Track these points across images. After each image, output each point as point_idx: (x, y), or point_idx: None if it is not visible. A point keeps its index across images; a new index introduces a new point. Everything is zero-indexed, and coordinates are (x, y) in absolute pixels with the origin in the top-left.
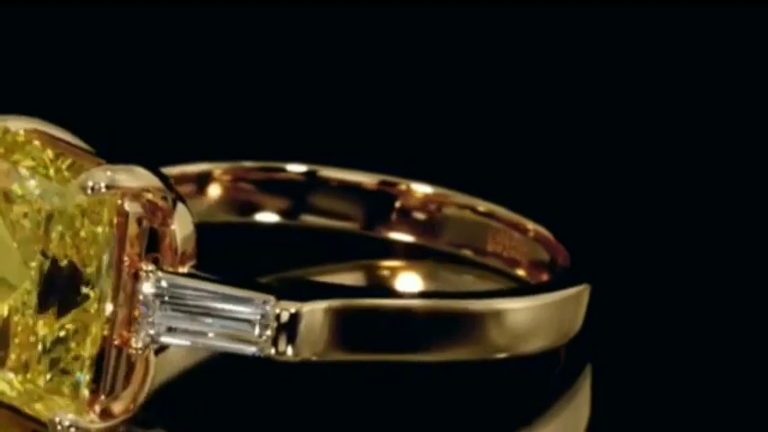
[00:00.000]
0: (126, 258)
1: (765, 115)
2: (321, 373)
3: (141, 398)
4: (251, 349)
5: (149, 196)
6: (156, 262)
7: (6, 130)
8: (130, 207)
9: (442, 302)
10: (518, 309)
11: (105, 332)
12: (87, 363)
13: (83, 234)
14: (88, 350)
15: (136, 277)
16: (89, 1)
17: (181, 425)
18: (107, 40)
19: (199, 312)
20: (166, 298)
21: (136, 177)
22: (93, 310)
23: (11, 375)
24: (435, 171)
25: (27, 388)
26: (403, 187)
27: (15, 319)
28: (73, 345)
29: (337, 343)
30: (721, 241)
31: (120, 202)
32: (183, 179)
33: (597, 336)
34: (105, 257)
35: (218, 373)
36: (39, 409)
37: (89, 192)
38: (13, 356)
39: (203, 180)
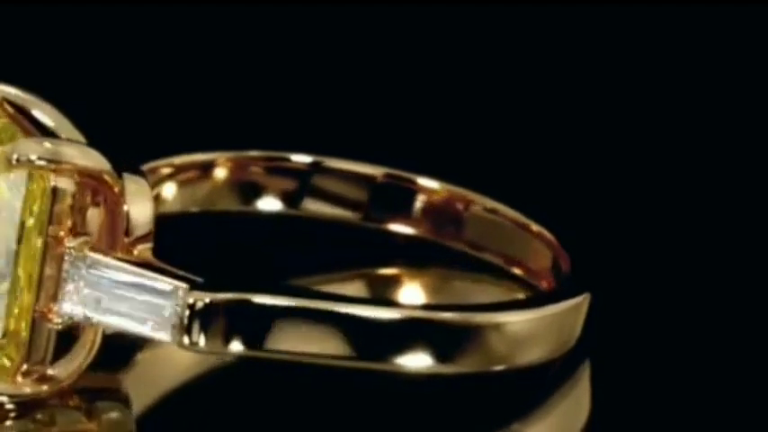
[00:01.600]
0: (52, 234)
1: (766, 115)
2: (320, 378)
3: (74, 368)
4: (164, 335)
5: (95, 175)
6: (86, 242)
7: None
8: (60, 182)
9: (439, 315)
10: (518, 321)
11: (29, 305)
12: (16, 333)
13: (7, 206)
14: (11, 324)
15: (60, 255)
16: (89, 1)
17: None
18: (110, 37)
19: (117, 294)
20: (87, 277)
21: (74, 153)
22: (18, 284)
23: None
24: (439, 173)
25: None
26: (409, 181)
27: None
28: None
29: (242, 336)
30: (722, 247)
31: (48, 176)
32: (187, 167)
33: (597, 338)
34: (27, 230)
35: (218, 380)
36: None
37: (14, 162)
38: None
39: (207, 167)
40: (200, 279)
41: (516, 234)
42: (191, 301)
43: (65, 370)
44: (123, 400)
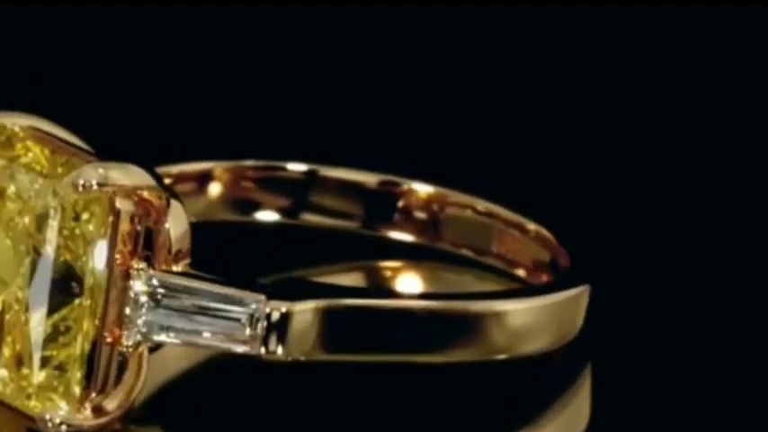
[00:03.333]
0: (118, 256)
1: (765, 115)
2: (319, 373)
3: (134, 395)
4: (241, 348)
5: (143, 194)
6: (148, 260)
7: (3, 127)
8: (122, 205)
9: (441, 303)
10: (518, 310)
11: (96, 330)
12: (78, 360)
13: (76, 231)
14: (79, 347)
15: (127, 275)
16: (89, 1)
17: (179, 425)
18: (107, 40)
19: (190, 311)
20: (158, 296)
21: (128, 175)
22: (84, 308)
23: (3, 372)
24: (436, 171)
25: (20, 384)
26: (404, 187)
27: (8, 316)
28: (65, 342)
29: (326, 343)
30: (721, 242)
31: (111, 199)
32: (184, 178)
33: (597, 336)
34: (97, 255)
35: (216, 374)
36: (32, 405)
37: (80, 189)
38: (6, 353)
39: (204, 179)
40: (273, 289)
41: (514, 235)
42: (268, 310)
43: (117, 400)
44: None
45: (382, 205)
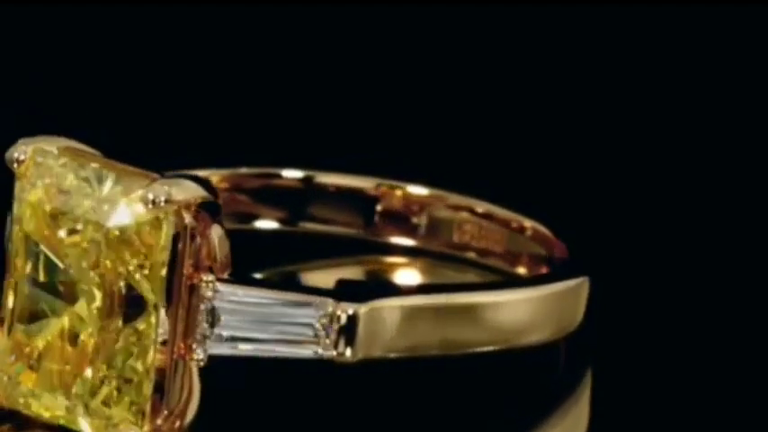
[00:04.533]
0: (185, 271)
1: (759, 111)
2: (316, 372)
3: (194, 410)
4: (312, 353)
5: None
6: (211, 274)
7: (42, 151)
8: (188, 219)
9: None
10: (518, 300)
11: (166, 345)
12: (148, 377)
13: (140, 248)
14: (148, 365)
15: (192, 288)
16: (81, 6)
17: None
18: (103, 48)
19: (259, 319)
20: (226, 307)
21: (187, 189)
22: (152, 325)
23: (61, 398)
24: (431, 172)
25: (92, 406)
26: (401, 190)
27: (73, 334)
28: (132, 360)
29: (388, 341)
30: (716, 239)
31: (179, 214)
32: None
33: (597, 334)
34: (163, 270)
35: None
36: (96, 425)
37: (150, 206)
38: (69, 373)
39: None
40: (336, 291)
41: (512, 234)
42: (339, 313)
43: (184, 416)
44: None
45: (379, 209)
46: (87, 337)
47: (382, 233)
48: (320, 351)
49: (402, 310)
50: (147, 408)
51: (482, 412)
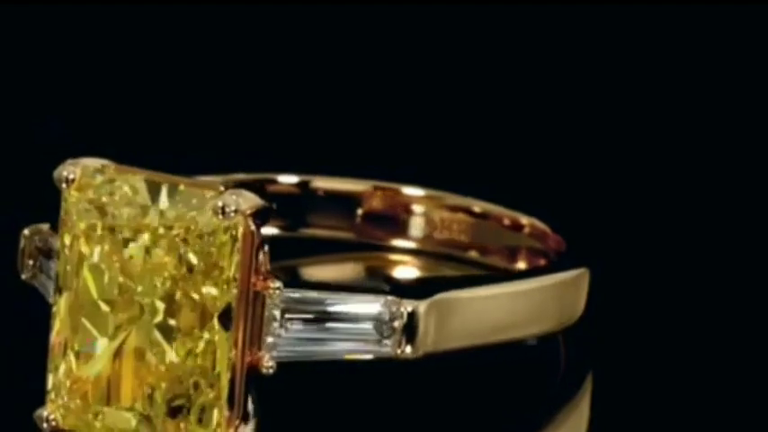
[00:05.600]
0: (252, 278)
1: (751, 104)
2: (312, 372)
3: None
4: (376, 352)
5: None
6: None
7: (92, 169)
8: (252, 227)
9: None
10: (513, 293)
11: (236, 355)
12: (220, 388)
13: (208, 259)
14: (220, 376)
15: (257, 296)
16: (80, 6)
17: None
18: (100, 53)
19: (324, 323)
20: (293, 312)
21: (250, 199)
22: (222, 336)
23: (128, 414)
24: (424, 171)
25: (163, 421)
26: (398, 192)
27: (139, 350)
28: (203, 372)
29: (447, 335)
30: (713, 236)
31: (246, 224)
32: None
33: (596, 330)
34: (234, 279)
35: None
36: None
37: (220, 216)
38: (139, 386)
39: None
40: (393, 289)
41: (510, 231)
42: (402, 310)
43: (252, 425)
44: None
45: (376, 212)
46: (154, 352)
47: (380, 236)
48: (384, 350)
49: (460, 303)
50: (222, 419)
51: (482, 412)
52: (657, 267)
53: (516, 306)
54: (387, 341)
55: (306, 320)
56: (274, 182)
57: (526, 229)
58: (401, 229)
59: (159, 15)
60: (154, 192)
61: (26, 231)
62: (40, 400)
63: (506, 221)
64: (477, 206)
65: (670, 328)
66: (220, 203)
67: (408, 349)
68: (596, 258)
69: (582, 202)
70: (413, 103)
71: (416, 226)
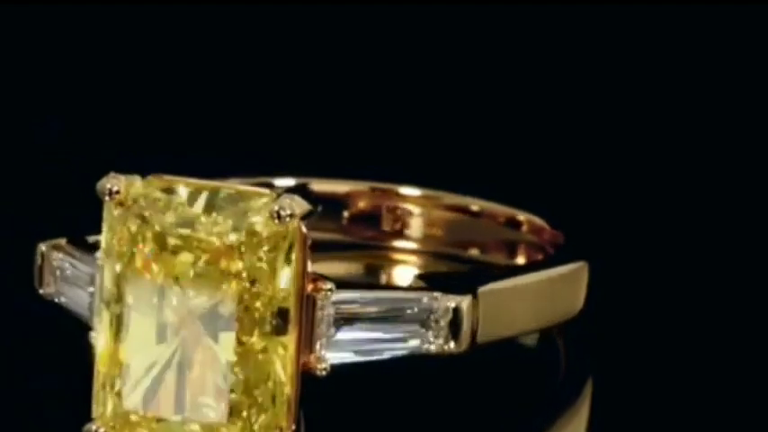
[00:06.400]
0: (307, 282)
1: (744, 98)
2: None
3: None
4: (425, 348)
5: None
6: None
7: (135, 180)
8: (304, 230)
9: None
10: (512, 287)
11: (293, 360)
12: (283, 394)
13: (264, 263)
14: (283, 382)
15: (309, 299)
16: (80, 6)
17: None
18: (97, 54)
19: (373, 322)
20: (344, 313)
21: (301, 203)
22: (283, 340)
23: (194, 425)
24: (419, 171)
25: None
26: (395, 192)
27: (195, 356)
28: (264, 379)
29: (489, 328)
30: (711, 235)
31: (300, 227)
32: None
33: (596, 327)
34: (291, 283)
35: None
36: None
37: (277, 219)
38: (194, 395)
39: None
40: (434, 285)
41: (508, 228)
42: (449, 305)
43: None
44: None
45: (374, 214)
46: (208, 361)
47: (379, 238)
48: (431, 347)
49: (500, 294)
50: (278, 424)
51: (482, 414)
52: (657, 263)
53: (545, 294)
54: (433, 338)
55: (356, 321)
56: (271, 185)
57: (524, 226)
58: (400, 230)
59: (158, 15)
60: (201, 199)
61: (43, 247)
62: (40, 400)
63: (504, 218)
64: (475, 204)
65: (670, 327)
66: (277, 207)
67: (452, 345)
68: (595, 251)
69: (575, 196)
70: (408, 103)
71: (415, 226)
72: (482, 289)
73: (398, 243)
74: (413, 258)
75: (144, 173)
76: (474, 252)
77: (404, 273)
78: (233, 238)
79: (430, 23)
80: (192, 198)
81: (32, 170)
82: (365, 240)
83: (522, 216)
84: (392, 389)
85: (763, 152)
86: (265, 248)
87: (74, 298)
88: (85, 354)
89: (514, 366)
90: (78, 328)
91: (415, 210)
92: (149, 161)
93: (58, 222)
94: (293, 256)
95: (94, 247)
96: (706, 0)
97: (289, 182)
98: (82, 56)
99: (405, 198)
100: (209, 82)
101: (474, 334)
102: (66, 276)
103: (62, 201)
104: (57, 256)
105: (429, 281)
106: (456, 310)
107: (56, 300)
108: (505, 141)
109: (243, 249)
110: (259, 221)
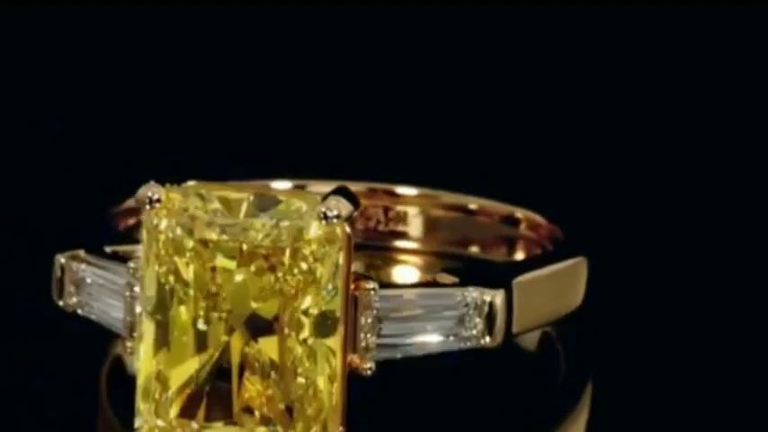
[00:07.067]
0: (351, 282)
1: (742, 95)
2: None
3: None
4: (464, 343)
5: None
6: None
7: (176, 188)
8: (348, 231)
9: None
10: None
11: (339, 360)
12: (332, 395)
13: (311, 265)
14: (333, 382)
15: (354, 298)
16: (80, 6)
17: None
18: (96, 54)
19: (415, 319)
20: (387, 312)
21: (347, 205)
22: (332, 342)
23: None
24: (414, 170)
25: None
26: (393, 192)
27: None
28: (307, 379)
29: (523, 320)
30: (709, 233)
31: (344, 228)
32: None
33: (595, 326)
34: (338, 285)
35: None
36: None
37: (324, 221)
38: (244, 398)
39: None
40: (468, 278)
41: (506, 225)
42: (486, 299)
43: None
44: None
45: (373, 215)
46: (257, 366)
47: (378, 238)
48: (470, 342)
49: (531, 286)
50: (327, 426)
51: (482, 417)
52: (657, 262)
53: (566, 283)
54: (470, 333)
55: (397, 319)
56: (268, 188)
57: (522, 222)
58: (399, 230)
59: (158, 16)
60: (244, 205)
61: (62, 258)
62: (40, 400)
63: (502, 216)
64: (473, 203)
65: (670, 327)
66: (324, 209)
67: (488, 339)
68: (594, 245)
69: (573, 192)
70: (402, 104)
71: (414, 225)
72: (516, 281)
73: (397, 243)
74: (413, 258)
75: (145, 173)
76: (474, 249)
77: (405, 273)
78: (278, 241)
79: (424, 22)
80: (235, 204)
81: (32, 171)
82: (364, 241)
83: (520, 213)
84: (392, 390)
85: (759, 146)
86: (312, 250)
87: (103, 309)
88: (85, 354)
89: (514, 370)
90: (79, 328)
91: (413, 209)
92: (149, 161)
93: (56, 223)
94: (340, 258)
95: (120, 257)
96: (706, 0)
97: (286, 185)
98: (82, 56)
99: (402, 198)
100: (206, 83)
101: (508, 327)
102: (94, 288)
103: (62, 201)
104: (80, 267)
105: (460, 275)
106: (491, 304)
107: (79, 311)
108: (505, 141)
109: (288, 252)
110: (305, 224)
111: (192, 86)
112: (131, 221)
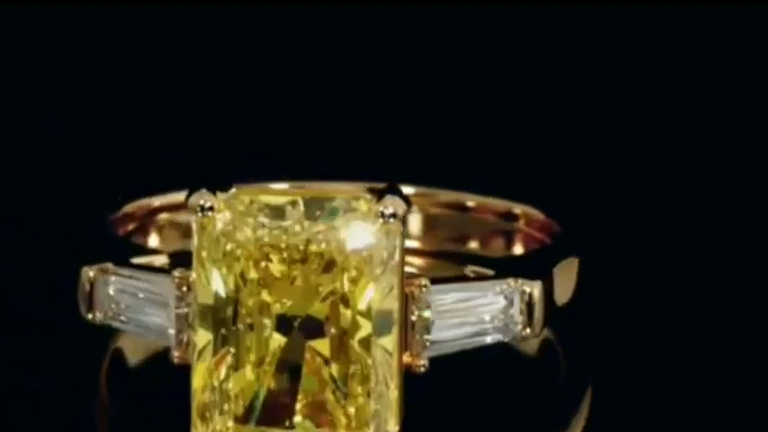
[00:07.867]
0: (406, 279)
1: (740, 93)
2: None
3: None
4: (509, 336)
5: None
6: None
7: (227, 195)
8: (403, 229)
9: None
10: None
11: (395, 358)
12: (393, 393)
13: (364, 264)
14: (393, 380)
15: (407, 296)
16: (80, 6)
17: None
18: (96, 55)
19: (465, 313)
20: (438, 309)
21: (401, 204)
22: (389, 341)
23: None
24: (410, 170)
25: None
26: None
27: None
28: (364, 379)
29: (552, 313)
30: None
31: (399, 227)
32: (167, 208)
33: (590, 299)
34: (394, 283)
35: None
36: None
37: (381, 220)
38: (302, 400)
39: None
40: (502, 271)
41: (504, 221)
42: (526, 290)
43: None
44: None
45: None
46: (314, 368)
47: None
48: (513, 335)
49: (562, 274)
50: (385, 425)
51: (482, 419)
52: (656, 261)
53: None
54: (512, 325)
55: (447, 315)
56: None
57: (520, 218)
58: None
59: (158, 15)
60: (297, 207)
61: (90, 272)
62: (40, 400)
63: (500, 212)
64: (470, 200)
65: (670, 327)
66: (381, 208)
67: (528, 330)
68: (589, 237)
69: (570, 189)
70: (398, 104)
71: (412, 224)
72: (554, 270)
73: None
74: (412, 259)
75: (144, 173)
76: (473, 246)
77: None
78: (334, 242)
79: (424, 22)
80: (287, 207)
81: (32, 171)
82: None
83: (518, 209)
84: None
85: (756, 143)
86: (369, 250)
87: (143, 320)
88: (85, 354)
89: (515, 374)
90: (78, 329)
91: (412, 208)
92: (149, 161)
93: (56, 224)
94: (396, 256)
95: (157, 268)
96: (706, 0)
97: (284, 186)
98: (82, 56)
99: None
100: (206, 83)
101: (546, 317)
102: (132, 300)
103: (62, 201)
104: (112, 280)
105: (495, 268)
106: (530, 295)
107: (113, 324)
108: (503, 140)
109: (345, 253)
110: (363, 224)
111: (192, 86)
112: (131, 227)
